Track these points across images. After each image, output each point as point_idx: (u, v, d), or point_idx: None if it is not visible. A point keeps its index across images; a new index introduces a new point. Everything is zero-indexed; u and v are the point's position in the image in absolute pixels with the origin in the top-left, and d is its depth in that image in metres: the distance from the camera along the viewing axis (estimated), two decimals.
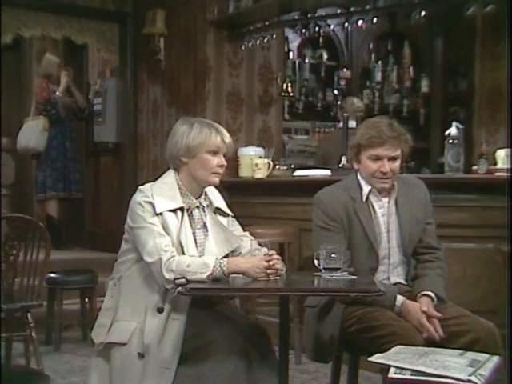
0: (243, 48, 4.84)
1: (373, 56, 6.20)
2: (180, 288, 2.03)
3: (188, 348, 2.13)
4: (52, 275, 4.14)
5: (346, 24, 4.32)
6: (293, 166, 4.61)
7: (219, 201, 2.41)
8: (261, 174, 4.40)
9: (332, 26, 4.73)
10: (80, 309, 4.31)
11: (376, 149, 2.38)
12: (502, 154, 3.67)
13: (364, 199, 2.45)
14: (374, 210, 2.46)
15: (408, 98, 6.19)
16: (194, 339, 2.14)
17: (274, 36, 4.69)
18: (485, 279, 3.45)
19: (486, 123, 5.18)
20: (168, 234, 2.18)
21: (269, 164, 4.43)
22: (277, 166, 4.52)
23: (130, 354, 2.15)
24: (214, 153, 2.25)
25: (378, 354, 2.01)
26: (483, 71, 5.30)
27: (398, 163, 2.41)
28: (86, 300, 4.26)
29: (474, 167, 3.74)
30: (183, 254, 2.18)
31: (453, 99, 6.03)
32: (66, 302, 4.22)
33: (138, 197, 2.23)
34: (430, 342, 2.24)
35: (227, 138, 2.29)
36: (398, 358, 1.97)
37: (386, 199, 2.48)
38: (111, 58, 5.65)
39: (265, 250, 2.26)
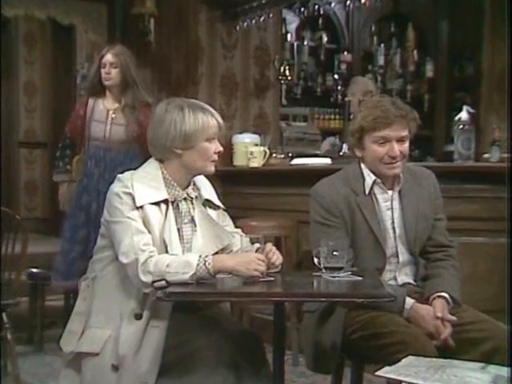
0: (238, 29, 4.70)
1: (375, 39, 6.15)
2: (159, 292, 1.81)
3: (169, 359, 1.93)
4: (33, 270, 3.96)
5: (348, 1, 4.09)
6: (290, 155, 4.50)
7: (209, 192, 2.20)
8: (256, 163, 4.28)
9: (333, 4, 4.53)
10: (64, 305, 4.06)
11: (382, 130, 2.16)
12: None
13: (367, 192, 2.25)
14: (378, 203, 2.26)
15: (412, 83, 6.16)
16: (176, 349, 1.93)
17: (271, 15, 4.56)
18: (497, 276, 3.28)
19: (497, 108, 5.01)
20: (149, 231, 1.97)
21: (265, 152, 4.31)
22: (273, 155, 4.42)
23: (102, 365, 1.95)
24: (212, 139, 2.05)
25: (387, 368, 1.79)
26: (493, 53, 5.24)
27: (407, 145, 2.21)
28: (71, 296, 4.03)
29: (485, 155, 3.60)
30: (166, 253, 1.97)
31: (459, 84, 5.98)
32: (49, 298, 4.04)
33: (116, 187, 2.02)
34: (444, 351, 2.03)
35: (220, 118, 2.10)
36: (410, 373, 1.74)
37: (390, 192, 2.27)
38: (99, 39, 5.41)
39: (257, 246, 2.06)
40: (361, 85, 4.48)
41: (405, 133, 2.19)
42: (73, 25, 5.53)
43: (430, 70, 6.10)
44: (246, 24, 4.60)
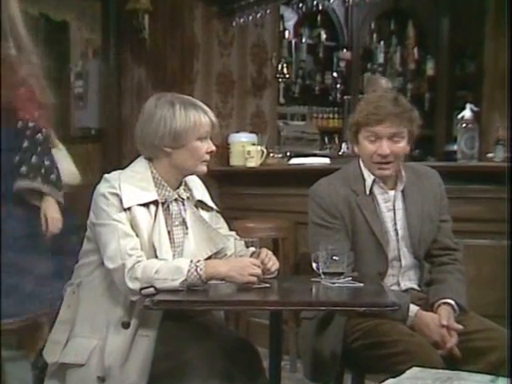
0: (234, 25, 4.57)
1: (374, 36, 6.06)
2: (147, 300, 1.70)
3: (158, 370, 1.83)
4: None
5: None
6: (288, 154, 4.42)
7: (202, 192, 2.09)
8: (253, 163, 4.20)
9: (332, 1, 4.46)
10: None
11: (373, 127, 2.08)
12: None
13: (367, 192, 2.16)
14: (378, 204, 2.17)
15: (412, 82, 6.07)
16: (165, 359, 1.84)
17: (268, 12, 4.45)
18: (501, 279, 3.16)
19: (499, 107, 4.91)
20: (137, 234, 1.86)
21: (262, 152, 4.22)
22: (271, 154, 4.33)
23: (88, 377, 1.84)
24: (204, 138, 1.95)
25: (391, 380, 1.67)
26: (496, 50, 5.11)
27: (401, 144, 2.11)
28: None
29: (489, 154, 3.47)
30: (156, 257, 1.86)
31: (460, 82, 5.85)
32: None
33: (102, 187, 1.92)
34: (449, 361, 1.94)
35: (213, 116, 1.99)
36: None
37: (392, 192, 2.18)
38: (93, 37, 5.32)
39: (252, 250, 1.96)
40: (382, 83, 4.47)
41: (397, 130, 2.08)
42: (66, 22, 5.45)
43: (430, 68, 5.99)
44: (242, 21, 4.47)
